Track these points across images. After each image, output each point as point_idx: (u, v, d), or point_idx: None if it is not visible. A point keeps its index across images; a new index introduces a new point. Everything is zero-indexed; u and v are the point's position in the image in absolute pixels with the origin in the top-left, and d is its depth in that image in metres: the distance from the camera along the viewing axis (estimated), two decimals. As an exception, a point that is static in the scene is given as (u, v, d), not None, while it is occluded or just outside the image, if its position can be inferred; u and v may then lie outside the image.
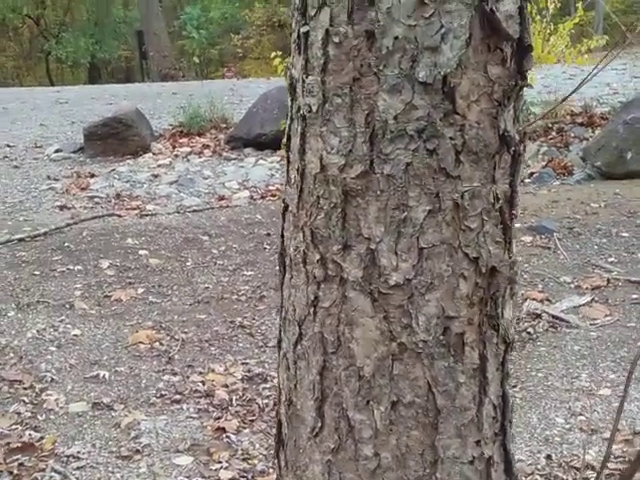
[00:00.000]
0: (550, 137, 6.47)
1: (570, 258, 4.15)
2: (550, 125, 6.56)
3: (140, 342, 3.34)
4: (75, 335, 3.42)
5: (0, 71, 22.66)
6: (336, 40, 0.98)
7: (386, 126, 0.97)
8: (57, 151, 7.40)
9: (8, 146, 7.63)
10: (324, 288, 1.06)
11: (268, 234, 4.82)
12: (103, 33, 21.12)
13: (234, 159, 7.29)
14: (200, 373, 3.07)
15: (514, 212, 1.04)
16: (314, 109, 1.02)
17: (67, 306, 3.72)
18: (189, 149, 7.63)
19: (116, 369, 3.10)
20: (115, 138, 7.28)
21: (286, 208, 1.11)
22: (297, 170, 1.06)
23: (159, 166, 6.99)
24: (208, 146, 7.74)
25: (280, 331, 1.18)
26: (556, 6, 7.29)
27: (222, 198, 6.07)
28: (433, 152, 0.98)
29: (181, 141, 7.89)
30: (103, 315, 3.64)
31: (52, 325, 3.50)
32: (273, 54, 6.71)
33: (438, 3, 0.94)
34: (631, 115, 5.40)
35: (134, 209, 5.68)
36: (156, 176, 6.67)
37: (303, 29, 1.03)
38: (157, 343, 3.34)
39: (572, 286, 3.80)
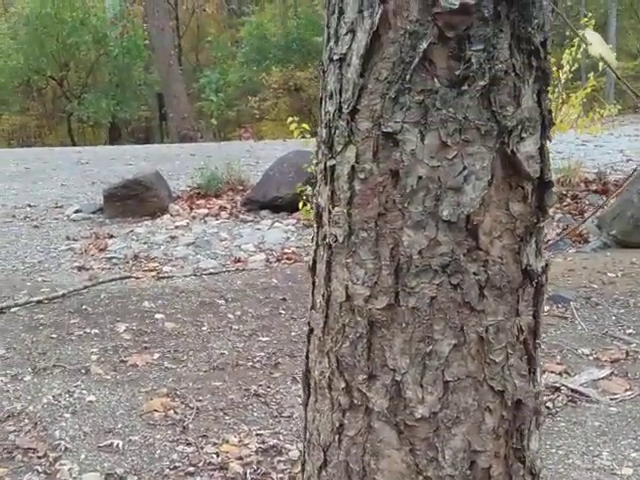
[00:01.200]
0: (565, 204, 6.51)
1: (588, 329, 4.12)
2: (565, 192, 6.60)
3: (155, 410, 3.32)
4: (90, 401, 3.41)
5: (23, 130, 23.26)
6: (362, 176, 1.02)
7: (411, 260, 1.00)
8: (77, 211, 7.53)
9: (29, 206, 7.77)
10: (349, 416, 1.07)
11: (284, 299, 4.83)
12: (124, 94, 21.70)
13: (250, 221, 7.38)
14: (214, 444, 3.04)
15: (538, 342, 1.05)
16: (340, 239, 1.05)
17: (83, 371, 3.73)
18: (206, 211, 7.75)
19: (130, 438, 3.08)
20: (134, 199, 7.42)
21: (311, 331, 1.13)
22: (322, 296, 1.09)
23: (176, 227, 7.09)
24: (225, 208, 7.85)
25: (304, 453, 1.17)
26: (568, 76, 7.44)
27: (238, 261, 6.11)
28: (457, 287, 0.99)
29: (198, 202, 8.02)
30: (118, 381, 3.64)
31: (67, 390, 3.49)
32: (289, 119, 6.88)
33: (460, 145, 0.97)
34: (645, 185, 5.44)
35: (151, 271, 5.73)
36: (173, 237, 6.74)
37: (329, 162, 1.06)
38: (171, 411, 3.32)
39: (591, 358, 3.76)
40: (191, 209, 7.78)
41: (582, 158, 8.11)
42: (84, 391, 3.51)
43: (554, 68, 6.95)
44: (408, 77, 0.95)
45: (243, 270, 5.70)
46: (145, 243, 6.54)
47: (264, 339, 4.19)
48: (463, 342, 1.00)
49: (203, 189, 8.23)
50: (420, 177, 0.97)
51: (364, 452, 1.05)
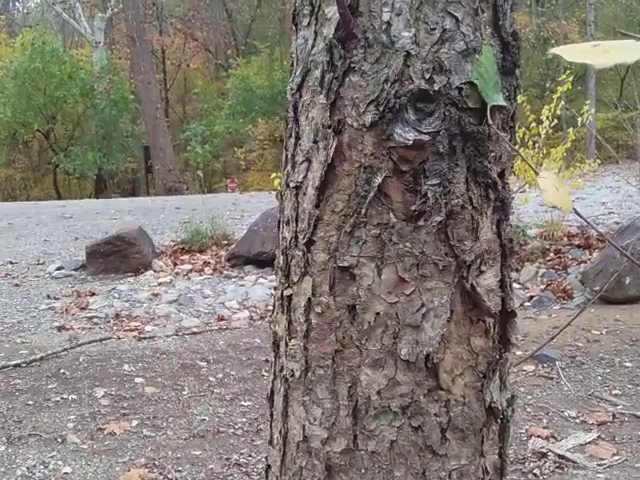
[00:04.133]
0: (548, 259, 6.52)
1: (574, 390, 4.08)
2: (548, 247, 6.63)
3: (132, 482, 3.21)
4: (65, 473, 3.30)
5: (9, 183, 23.25)
6: (318, 310, 0.98)
7: (369, 402, 0.96)
8: (59, 268, 7.45)
9: (11, 263, 7.69)
10: None
11: (266, 360, 4.75)
12: (111, 147, 21.82)
13: (234, 277, 7.33)
14: (193, 519, 2.94)
15: None
16: (296, 375, 1.01)
17: (59, 440, 3.62)
18: (190, 266, 7.70)
19: (105, 514, 2.97)
20: (117, 256, 7.36)
21: (269, 467, 1.08)
22: (280, 432, 1.05)
23: (159, 284, 7.02)
24: (209, 263, 7.81)
25: None
26: (547, 131, 7.56)
27: (221, 318, 6.04)
28: (418, 429, 0.95)
29: (182, 258, 7.97)
30: (95, 450, 3.53)
31: (42, 461, 3.38)
32: (273, 175, 6.90)
33: (418, 281, 0.94)
34: (626, 241, 5.48)
35: (132, 330, 5.65)
36: (156, 295, 6.67)
37: (286, 292, 1.03)
38: (149, 484, 3.22)
39: (577, 421, 3.70)
40: (175, 265, 7.73)
41: (565, 211, 8.18)
42: (59, 462, 3.40)
43: (533, 124, 7.07)
44: (364, 210, 0.94)
45: (226, 329, 5.63)
46: (127, 301, 6.46)
47: (246, 404, 4.10)
48: None
49: (187, 244, 8.20)
50: (378, 313, 0.94)
51: None
